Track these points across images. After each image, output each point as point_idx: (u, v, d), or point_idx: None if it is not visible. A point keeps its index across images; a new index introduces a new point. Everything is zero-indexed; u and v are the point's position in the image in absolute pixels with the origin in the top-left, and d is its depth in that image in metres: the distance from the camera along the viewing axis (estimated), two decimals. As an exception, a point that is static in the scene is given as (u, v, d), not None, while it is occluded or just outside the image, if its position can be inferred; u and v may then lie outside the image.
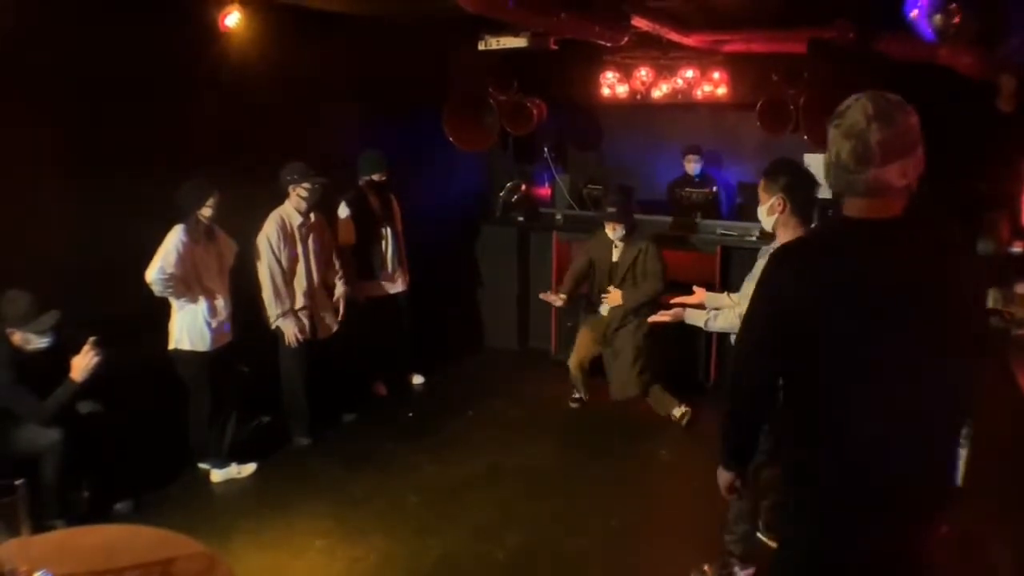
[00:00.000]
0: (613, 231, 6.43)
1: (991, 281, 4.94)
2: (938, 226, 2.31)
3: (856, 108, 2.18)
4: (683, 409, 6.42)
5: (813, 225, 4.01)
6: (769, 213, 3.88)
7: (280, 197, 5.85)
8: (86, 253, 5.07)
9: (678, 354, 7.15)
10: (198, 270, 5.25)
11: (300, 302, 5.90)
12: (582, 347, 6.72)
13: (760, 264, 3.91)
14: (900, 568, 2.36)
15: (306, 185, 5.76)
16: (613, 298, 6.43)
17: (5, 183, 4.78)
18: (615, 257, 6.51)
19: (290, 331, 5.82)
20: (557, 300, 6.60)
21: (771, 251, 3.88)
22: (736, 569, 4.31)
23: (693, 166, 8.50)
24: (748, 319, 2.51)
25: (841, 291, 2.22)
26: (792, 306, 2.26)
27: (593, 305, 6.72)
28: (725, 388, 2.73)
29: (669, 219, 7.84)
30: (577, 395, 6.99)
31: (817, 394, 2.30)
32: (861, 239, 2.25)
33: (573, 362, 6.75)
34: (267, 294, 5.75)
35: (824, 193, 3.73)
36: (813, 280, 2.26)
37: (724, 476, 2.76)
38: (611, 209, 6.44)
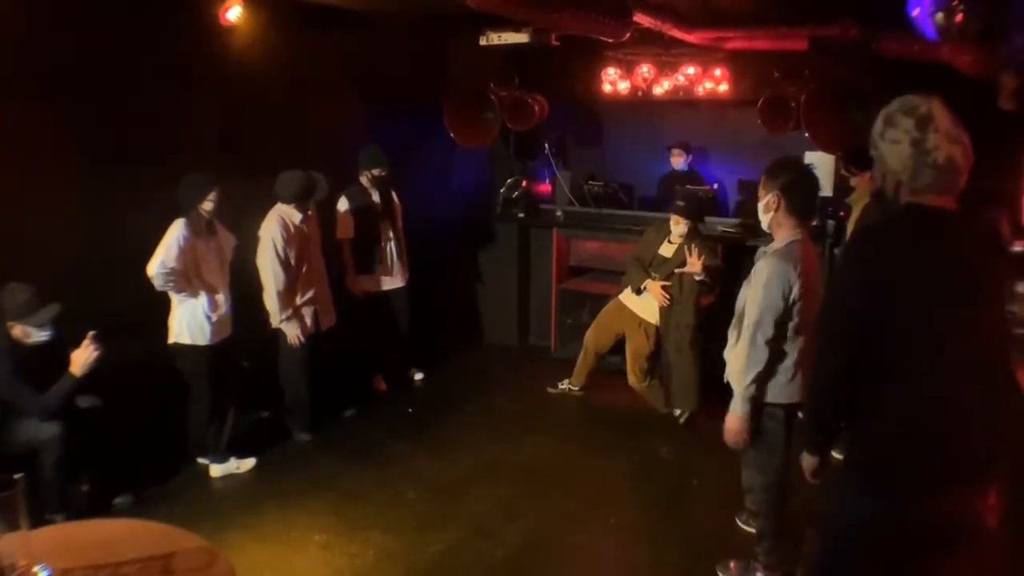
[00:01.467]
0: (676, 225, 6.27)
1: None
2: (984, 220, 2.65)
3: (941, 114, 2.43)
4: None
5: (815, 224, 4.00)
6: (765, 211, 3.88)
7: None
8: (87, 247, 5.08)
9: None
10: (198, 264, 5.24)
11: (305, 296, 5.91)
12: (604, 328, 6.70)
13: (761, 267, 3.85)
14: (954, 534, 2.55)
15: (303, 204, 5.78)
16: (658, 289, 6.20)
17: (5, 177, 4.78)
18: (666, 252, 6.35)
19: (293, 333, 5.83)
20: (657, 289, 6.26)
21: (775, 250, 3.86)
22: (758, 574, 4.27)
23: (678, 160, 8.60)
24: (836, 301, 2.66)
25: (927, 268, 2.44)
26: (884, 286, 2.43)
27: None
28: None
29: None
30: (564, 384, 7.02)
31: (891, 368, 2.48)
32: (944, 226, 2.49)
33: (591, 340, 6.77)
34: (270, 298, 5.73)
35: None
36: (908, 260, 2.45)
37: (809, 460, 2.87)
38: (679, 203, 6.35)
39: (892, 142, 2.49)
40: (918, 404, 2.46)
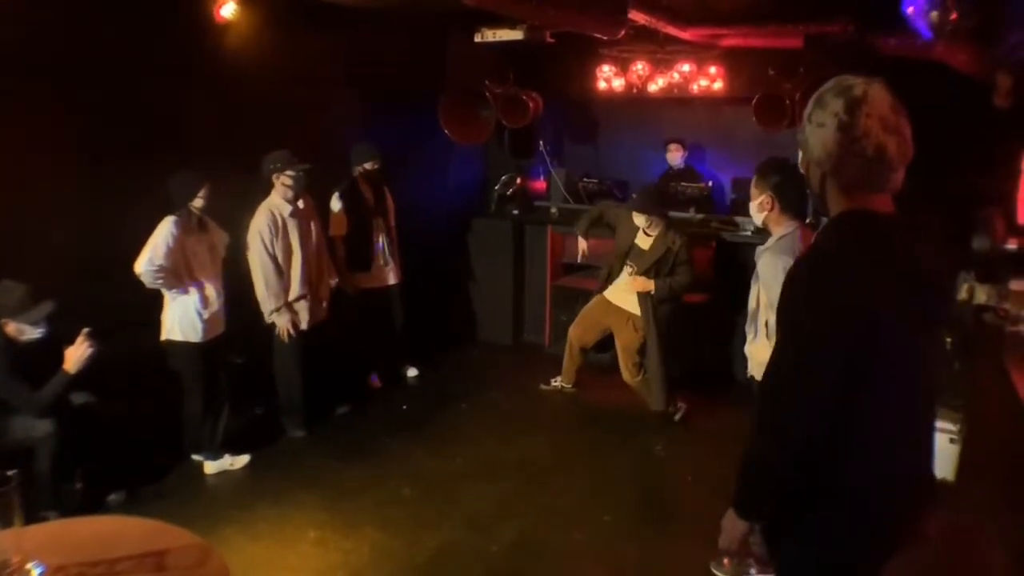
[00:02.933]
0: (637, 219, 6.32)
1: (983, 277, 4.97)
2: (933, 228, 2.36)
3: (878, 97, 2.10)
4: (679, 405, 6.48)
5: (809, 220, 4.03)
6: (759, 210, 3.95)
7: (267, 188, 5.81)
8: (81, 244, 5.06)
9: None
10: (189, 261, 5.22)
11: (297, 291, 5.89)
12: (589, 323, 6.72)
13: (762, 266, 3.90)
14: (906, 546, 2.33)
15: (290, 173, 5.70)
16: (642, 284, 6.28)
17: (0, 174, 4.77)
18: (643, 244, 6.37)
19: (283, 325, 5.82)
20: (582, 245, 6.74)
21: (770, 247, 3.89)
22: (752, 571, 4.30)
23: (675, 156, 8.58)
24: (805, 341, 2.13)
25: (892, 293, 2.10)
26: (856, 316, 2.05)
27: (606, 279, 6.63)
28: (761, 418, 2.27)
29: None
30: (556, 382, 7.05)
31: (860, 404, 2.12)
32: (896, 234, 2.18)
33: (574, 335, 6.77)
34: (260, 290, 5.73)
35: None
36: (874, 280, 2.08)
37: (741, 527, 2.36)
38: (634, 196, 6.50)
39: (818, 125, 2.15)
40: (887, 440, 2.18)
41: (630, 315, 6.41)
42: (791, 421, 2.16)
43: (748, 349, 4.16)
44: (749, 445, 2.27)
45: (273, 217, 5.72)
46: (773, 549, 2.42)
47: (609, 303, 6.58)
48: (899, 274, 2.13)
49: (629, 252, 6.43)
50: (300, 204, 5.88)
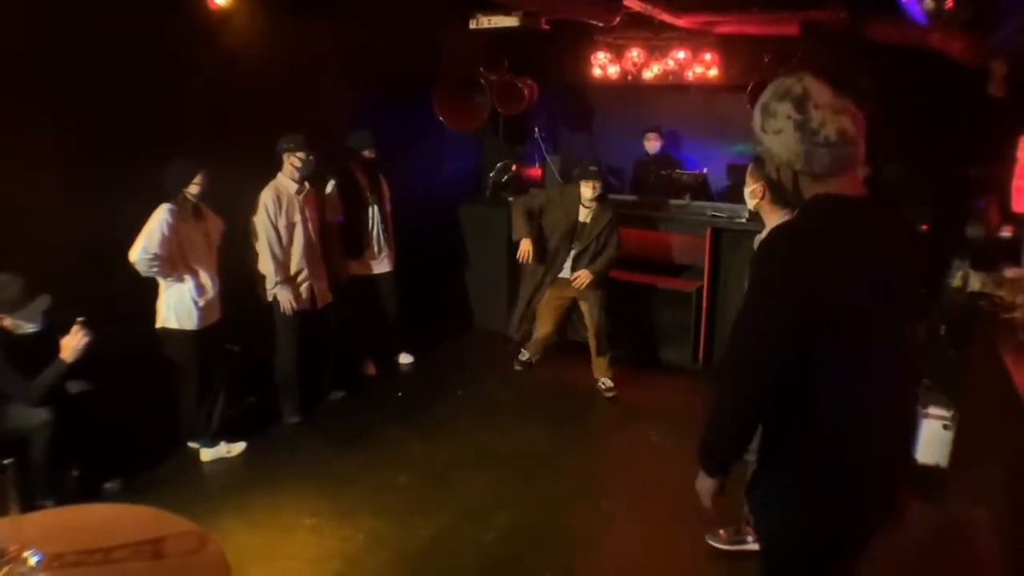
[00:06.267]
0: (592, 190, 6.49)
1: (978, 264, 4.98)
2: (890, 205, 2.42)
3: (817, 88, 2.21)
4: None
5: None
6: (752, 197, 4.01)
7: (275, 169, 5.89)
8: (76, 233, 5.04)
9: (666, 334, 7.25)
10: (184, 249, 5.21)
11: (297, 267, 5.97)
12: (547, 318, 6.94)
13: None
14: (884, 526, 2.44)
15: (300, 155, 5.85)
16: (585, 276, 6.57)
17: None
18: (585, 218, 6.60)
19: (285, 298, 5.86)
20: (526, 247, 6.67)
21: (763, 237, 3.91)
22: (749, 538, 4.37)
23: (652, 144, 8.68)
24: (761, 307, 2.26)
25: (853, 267, 2.20)
26: (813, 286, 2.15)
27: (550, 266, 6.81)
28: (718, 382, 2.41)
29: (661, 200, 7.83)
30: (525, 357, 7.21)
31: (823, 374, 2.22)
32: (862, 214, 2.27)
33: (541, 334, 7.00)
34: (266, 261, 5.81)
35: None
36: (830, 258, 2.18)
37: (708, 483, 2.55)
38: (593, 168, 6.55)
39: (775, 132, 2.25)
40: (853, 411, 2.26)
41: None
42: (749, 376, 2.28)
43: None
44: (712, 406, 2.41)
45: (279, 192, 5.85)
46: (756, 520, 2.61)
47: (567, 282, 6.74)
48: (863, 253, 2.23)
49: (574, 230, 6.62)
50: (306, 186, 6.00)
